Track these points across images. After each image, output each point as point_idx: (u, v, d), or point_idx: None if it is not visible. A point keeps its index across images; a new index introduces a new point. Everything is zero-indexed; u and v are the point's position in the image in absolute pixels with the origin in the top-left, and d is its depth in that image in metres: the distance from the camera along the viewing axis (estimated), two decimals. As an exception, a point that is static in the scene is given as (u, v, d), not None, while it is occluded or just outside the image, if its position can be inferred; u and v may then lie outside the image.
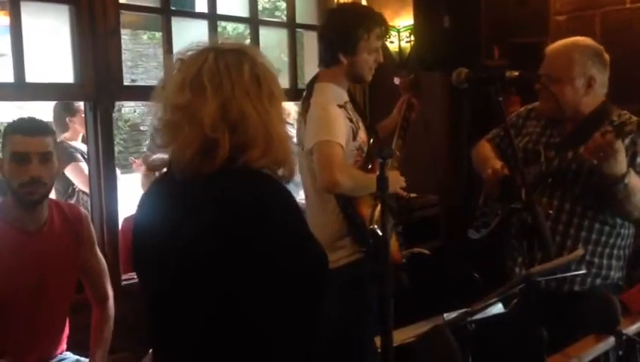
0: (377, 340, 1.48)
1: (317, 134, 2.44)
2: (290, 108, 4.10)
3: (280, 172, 1.48)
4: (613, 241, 2.29)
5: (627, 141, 2.14)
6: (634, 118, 2.22)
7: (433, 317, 1.61)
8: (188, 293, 1.41)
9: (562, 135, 2.34)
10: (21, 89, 2.77)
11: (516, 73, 2.13)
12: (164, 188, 1.54)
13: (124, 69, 3.07)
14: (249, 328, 1.35)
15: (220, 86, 1.40)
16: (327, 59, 2.59)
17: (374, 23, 2.58)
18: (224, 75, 1.42)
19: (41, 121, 2.36)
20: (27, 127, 2.22)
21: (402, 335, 1.46)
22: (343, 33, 2.54)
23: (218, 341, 1.38)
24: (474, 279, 2.66)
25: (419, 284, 2.79)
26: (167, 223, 1.46)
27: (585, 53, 2.29)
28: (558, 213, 2.26)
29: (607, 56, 2.33)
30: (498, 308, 1.64)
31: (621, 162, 2.04)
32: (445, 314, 1.58)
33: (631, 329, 1.73)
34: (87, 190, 3.56)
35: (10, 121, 2.33)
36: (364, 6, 2.75)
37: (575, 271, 2.12)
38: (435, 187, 2.72)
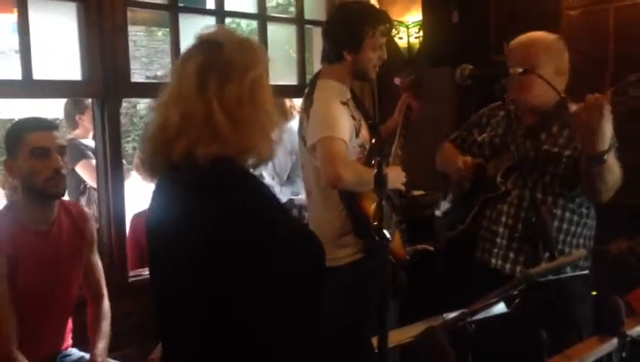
0: (374, 340, 1.47)
1: (320, 130, 2.44)
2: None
3: (250, 161, 1.47)
4: (581, 231, 2.33)
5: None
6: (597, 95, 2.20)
7: (433, 317, 1.59)
8: (185, 296, 1.42)
9: (526, 126, 2.36)
10: (29, 86, 2.78)
11: (520, 70, 2.11)
12: (163, 184, 1.55)
13: (140, 66, 3.09)
14: (247, 330, 1.36)
15: (174, 83, 1.47)
16: (331, 55, 2.59)
17: (379, 20, 2.58)
18: (178, 72, 1.47)
19: (46, 118, 2.43)
20: (43, 123, 2.30)
21: (399, 336, 1.45)
22: (348, 30, 2.53)
23: (217, 342, 1.39)
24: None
25: (425, 282, 2.78)
26: (164, 225, 1.49)
27: (548, 46, 2.31)
28: (530, 203, 2.27)
29: (566, 49, 2.35)
30: (500, 308, 1.63)
31: (605, 135, 2.01)
32: (445, 314, 1.56)
33: (635, 331, 1.70)
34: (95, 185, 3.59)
35: (16, 120, 2.37)
36: (369, 4, 2.75)
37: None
38: (442, 184, 2.70)
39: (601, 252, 2.53)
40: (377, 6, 3.91)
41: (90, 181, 3.76)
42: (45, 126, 2.28)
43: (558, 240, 2.28)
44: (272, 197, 1.45)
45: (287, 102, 4.24)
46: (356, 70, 2.59)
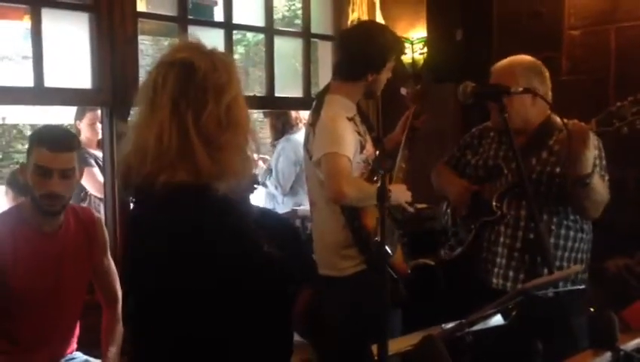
0: (374, 348, 1.50)
1: (325, 146, 2.48)
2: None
3: (230, 184, 1.40)
4: (578, 245, 2.39)
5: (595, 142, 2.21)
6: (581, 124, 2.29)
7: (431, 327, 1.63)
8: (155, 316, 1.42)
9: (518, 148, 2.38)
10: (40, 93, 2.84)
11: (521, 88, 2.17)
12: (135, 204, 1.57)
13: (145, 74, 3.14)
14: (220, 348, 1.37)
15: (147, 106, 1.45)
16: (352, 73, 2.63)
17: (400, 47, 2.78)
18: (151, 96, 1.44)
19: (67, 134, 2.39)
20: (52, 142, 2.22)
21: (398, 345, 1.49)
22: (378, 54, 2.60)
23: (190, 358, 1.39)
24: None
25: (426, 296, 2.81)
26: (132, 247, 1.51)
27: (526, 67, 2.38)
28: (526, 222, 2.33)
29: (546, 71, 2.42)
30: (497, 320, 1.66)
31: (588, 161, 2.11)
32: (443, 325, 1.60)
33: (630, 345, 1.73)
34: (99, 195, 3.62)
35: (39, 127, 2.37)
36: (391, 30, 2.85)
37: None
38: (445, 198, 2.74)
39: (598, 268, 2.56)
40: (383, 21, 3.98)
41: (92, 190, 3.78)
42: (55, 146, 2.22)
43: (557, 256, 2.34)
44: (234, 227, 1.39)
45: (293, 113, 4.29)
46: (371, 89, 2.67)
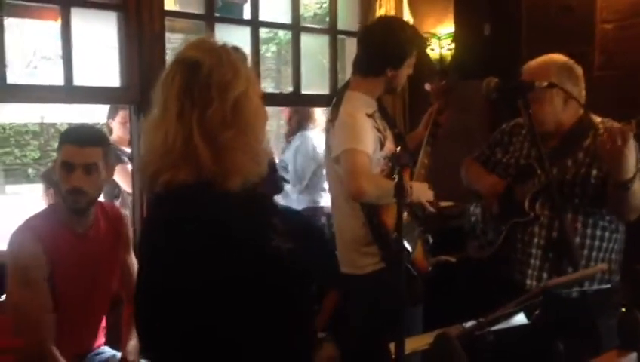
0: (391, 346, 1.49)
1: (344, 142, 2.47)
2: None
3: (237, 182, 1.39)
4: (612, 246, 2.34)
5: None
6: (617, 124, 2.22)
7: (451, 325, 1.61)
8: (158, 313, 1.41)
9: (550, 148, 2.35)
10: (69, 92, 2.88)
11: (545, 83, 2.12)
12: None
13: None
14: (228, 342, 1.37)
15: (159, 105, 1.45)
16: (371, 69, 2.62)
17: (421, 42, 2.78)
18: (161, 94, 1.45)
19: (94, 131, 2.42)
20: (77, 137, 2.27)
21: (415, 344, 1.47)
22: (397, 49, 2.59)
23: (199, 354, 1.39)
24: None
25: (447, 293, 2.79)
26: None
27: (560, 68, 2.31)
28: (561, 223, 2.27)
29: (579, 70, 2.35)
30: (520, 319, 1.63)
31: (630, 165, 2.05)
32: (464, 324, 1.58)
33: (657, 347, 1.68)
34: (131, 190, 3.67)
35: (66, 124, 2.42)
36: (412, 26, 2.84)
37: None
38: (471, 195, 2.71)
39: (630, 268, 2.51)
40: (411, 18, 3.95)
41: (124, 186, 3.84)
42: (79, 141, 2.25)
43: (591, 257, 2.30)
44: (232, 229, 1.36)
45: (314, 110, 4.24)
46: (392, 85, 2.66)
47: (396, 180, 1.49)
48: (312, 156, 4.13)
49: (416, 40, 2.67)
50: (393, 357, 1.47)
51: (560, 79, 2.27)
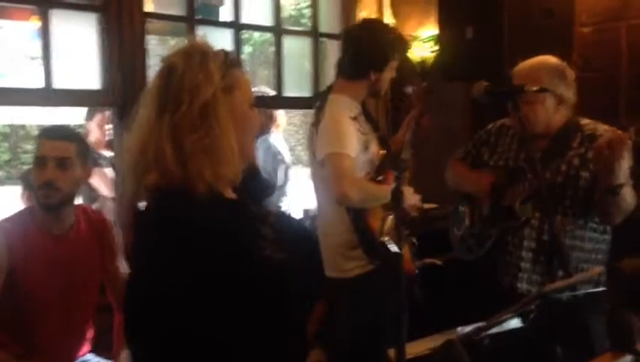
0: (391, 352, 1.48)
1: (328, 146, 2.47)
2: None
3: (206, 187, 1.37)
4: (599, 247, 2.37)
5: None
6: (604, 127, 2.31)
7: (447, 330, 1.61)
8: (152, 310, 1.39)
9: (540, 150, 2.37)
10: (49, 94, 2.83)
11: (535, 87, 2.14)
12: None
13: (151, 74, 3.14)
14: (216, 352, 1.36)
15: (141, 108, 1.45)
16: (354, 72, 2.62)
17: (404, 46, 2.74)
18: (144, 97, 1.45)
19: (68, 128, 2.42)
20: (50, 132, 2.27)
21: (415, 349, 1.47)
22: (379, 52, 2.59)
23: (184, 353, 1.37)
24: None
25: (433, 296, 2.79)
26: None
27: (552, 72, 2.33)
28: (551, 226, 2.28)
29: (571, 73, 2.37)
30: (515, 323, 1.64)
31: (622, 171, 2.07)
32: (459, 328, 1.58)
33: (650, 348, 1.70)
34: (110, 194, 3.61)
35: (44, 126, 2.39)
36: (396, 29, 2.84)
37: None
38: (456, 197, 2.72)
39: (613, 268, 2.54)
40: (393, 20, 3.96)
41: (103, 190, 3.77)
42: (51, 135, 2.24)
43: (581, 258, 2.31)
44: (198, 233, 1.35)
45: (272, 113, 4.13)
46: (375, 88, 2.66)
47: (392, 185, 1.47)
48: (281, 159, 4.10)
49: (399, 43, 2.67)
50: (392, 362, 1.46)
51: (552, 82, 2.29)
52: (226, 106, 1.40)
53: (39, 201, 2.25)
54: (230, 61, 1.45)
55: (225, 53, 1.47)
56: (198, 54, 1.42)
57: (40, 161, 2.22)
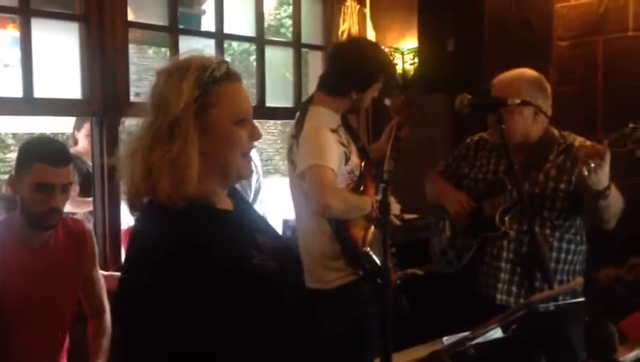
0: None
1: (309, 158, 2.48)
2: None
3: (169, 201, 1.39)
4: (577, 258, 2.41)
5: None
6: (580, 138, 2.39)
7: (432, 341, 1.62)
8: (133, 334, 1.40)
9: (517, 163, 2.38)
10: (29, 104, 2.80)
11: (518, 100, 2.18)
12: None
13: (130, 83, 3.12)
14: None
15: None
16: (336, 89, 2.62)
17: (390, 70, 2.77)
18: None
19: (63, 148, 2.37)
20: (53, 157, 2.20)
21: (401, 359, 1.48)
22: (364, 75, 2.60)
23: None
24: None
25: (416, 306, 2.81)
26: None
27: (531, 82, 2.38)
28: (530, 237, 2.30)
29: (548, 86, 2.43)
30: (497, 333, 1.66)
31: (606, 175, 2.12)
32: (445, 338, 1.59)
33: (628, 357, 1.74)
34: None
35: (29, 140, 2.34)
36: (386, 53, 2.84)
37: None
38: (435, 209, 2.75)
39: (589, 279, 2.58)
40: (374, 32, 3.99)
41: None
42: (55, 162, 2.19)
43: (557, 269, 2.36)
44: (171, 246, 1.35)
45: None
46: (355, 106, 2.68)
47: (381, 198, 1.49)
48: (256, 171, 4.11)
49: (386, 69, 2.67)
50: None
51: (531, 94, 2.34)
52: (197, 123, 1.40)
53: (38, 224, 2.24)
54: (215, 77, 1.42)
55: (211, 68, 1.43)
56: (179, 70, 1.43)
57: (45, 188, 2.18)
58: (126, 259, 1.48)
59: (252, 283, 1.37)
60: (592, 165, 2.05)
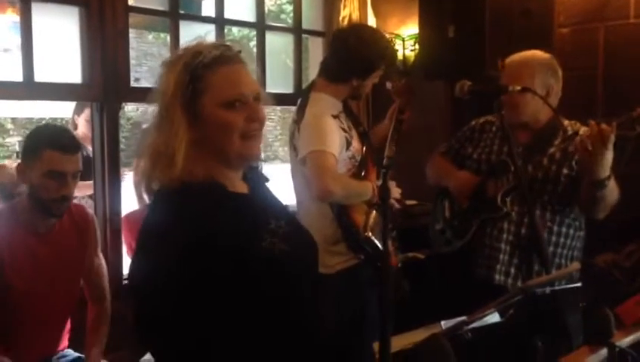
0: (375, 346, 1.50)
1: (310, 144, 2.49)
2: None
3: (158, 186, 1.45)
4: (575, 243, 2.43)
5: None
6: (585, 128, 2.32)
7: (431, 324, 1.64)
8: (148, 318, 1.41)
9: (522, 145, 2.42)
10: (29, 88, 2.80)
11: (519, 87, 2.18)
12: None
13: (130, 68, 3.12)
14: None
15: None
16: (337, 76, 2.63)
17: (392, 56, 2.74)
18: None
19: (73, 135, 2.40)
20: (64, 144, 2.22)
21: (400, 342, 1.49)
22: (366, 63, 2.60)
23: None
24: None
25: (416, 290, 2.83)
26: None
27: (543, 64, 2.39)
28: (530, 220, 2.32)
29: (559, 68, 2.44)
30: (494, 318, 1.67)
31: (608, 163, 2.12)
32: (443, 322, 1.61)
33: (624, 342, 1.76)
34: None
35: (37, 127, 2.37)
36: (387, 39, 2.82)
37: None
38: (437, 191, 2.76)
39: (587, 264, 2.60)
40: (374, 18, 3.98)
41: None
42: (67, 148, 2.22)
43: (556, 253, 2.37)
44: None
45: None
46: (356, 92, 2.68)
47: (380, 183, 1.49)
48: None
49: (387, 55, 2.66)
50: (377, 356, 1.48)
51: (545, 73, 2.34)
52: (186, 110, 1.41)
53: (49, 211, 2.25)
54: (203, 62, 1.42)
55: (203, 53, 1.43)
56: (173, 58, 1.46)
57: (57, 176, 2.20)
58: (135, 246, 1.49)
59: (260, 266, 1.38)
60: (590, 148, 2.04)
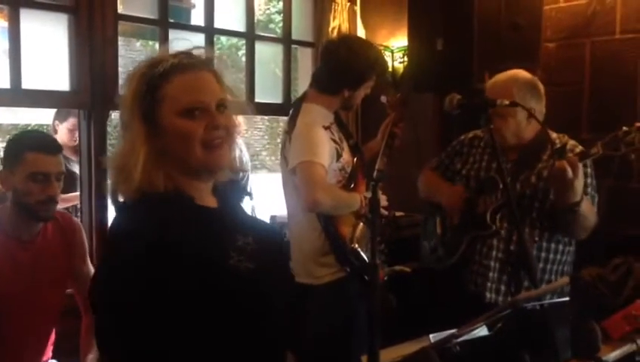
0: (364, 359, 1.50)
1: (300, 154, 2.50)
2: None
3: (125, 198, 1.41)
4: (565, 259, 2.44)
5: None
6: (572, 142, 2.40)
7: (419, 337, 1.63)
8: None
9: (510, 161, 2.44)
10: (17, 95, 2.79)
11: (507, 102, 2.20)
12: None
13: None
14: None
15: None
16: (328, 87, 2.64)
17: (382, 67, 2.73)
18: None
19: (52, 137, 2.40)
20: (46, 145, 2.22)
21: (389, 355, 1.49)
22: (356, 73, 2.61)
23: None
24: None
25: (403, 303, 2.83)
26: None
27: (523, 87, 2.39)
28: (520, 237, 2.33)
29: (541, 87, 2.44)
30: (483, 331, 1.68)
31: (578, 190, 2.16)
32: (432, 335, 1.61)
33: (611, 356, 1.76)
34: None
35: (16, 134, 2.33)
36: (377, 49, 2.82)
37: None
38: (426, 206, 2.77)
39: (573, 278, 2.61)
40: (364, 30, 4.00)
41: None
42: (49, 150, 2.21)
43: (546, 269, 2.38)
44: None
45: None
46: (347, 103, 2.69)
47: (370, 195, 1.49)
48: None
49: (377, 65, 2.67)
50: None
51: (524, 95, 2.34)
52: (145, 121, 1.38)
53: (36, 215, 2.23)
54: (160, 72, 1.39)
55: (162, 63, 1.40)
56: (134, 72, 1.43)
57: (41, 177, 2.18)
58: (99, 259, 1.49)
59: (225, 284, 1.34)
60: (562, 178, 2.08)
